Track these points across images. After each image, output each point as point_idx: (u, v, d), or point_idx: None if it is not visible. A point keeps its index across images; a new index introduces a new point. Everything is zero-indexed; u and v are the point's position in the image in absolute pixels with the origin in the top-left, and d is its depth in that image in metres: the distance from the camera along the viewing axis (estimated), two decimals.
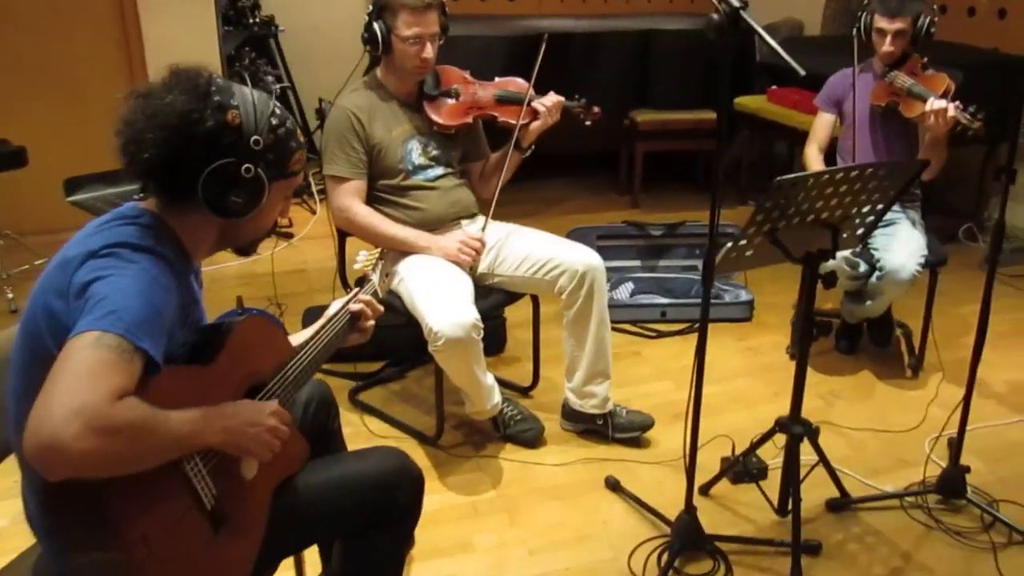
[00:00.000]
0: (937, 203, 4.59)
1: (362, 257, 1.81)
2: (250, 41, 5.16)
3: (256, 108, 1.39)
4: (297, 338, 1.62)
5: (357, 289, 1.75)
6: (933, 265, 3.05)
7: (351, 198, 2.58)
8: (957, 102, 2.73)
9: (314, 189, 5.00)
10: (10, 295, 3.68)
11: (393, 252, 2.56)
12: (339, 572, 1.61)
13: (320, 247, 4.42)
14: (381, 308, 1.75)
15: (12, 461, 1.51)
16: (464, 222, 2.74)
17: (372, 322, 1.72)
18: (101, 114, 5.11)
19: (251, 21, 5.05)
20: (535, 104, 2.67)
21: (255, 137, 1.38)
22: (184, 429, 1.19)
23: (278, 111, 1.44)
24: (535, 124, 2.67)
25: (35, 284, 1.33)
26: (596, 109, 2.76)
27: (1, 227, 3.88)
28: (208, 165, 1.35)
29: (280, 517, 1.46)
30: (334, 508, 1.52)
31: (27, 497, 1.37)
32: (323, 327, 1.61)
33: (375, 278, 1.76)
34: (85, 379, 1.09)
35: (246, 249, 1.54)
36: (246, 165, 1.37)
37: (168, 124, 1.33)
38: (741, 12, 1.74)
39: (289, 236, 4.53)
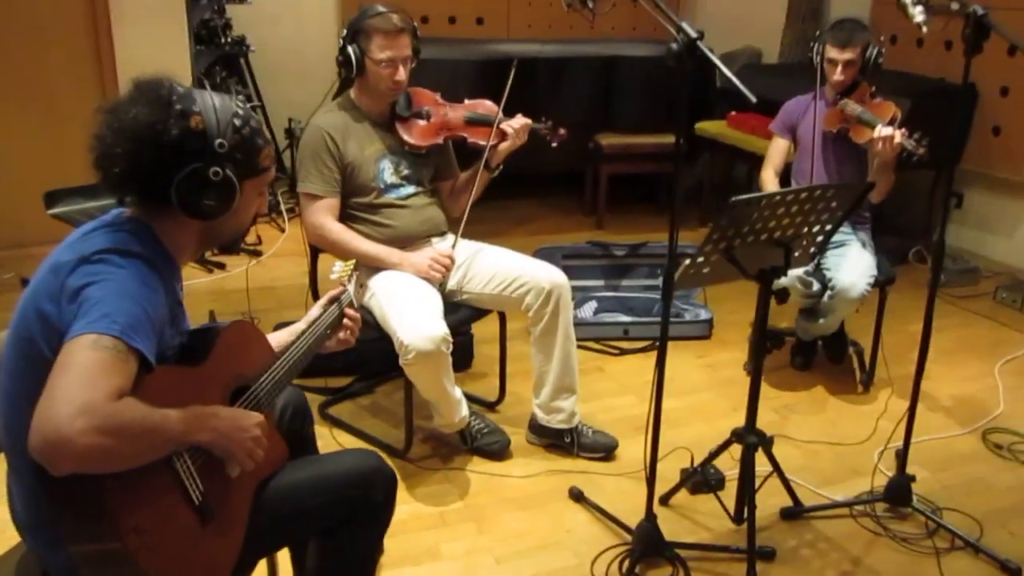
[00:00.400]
0: (888, 226, 4.77)
1: (337, 268, 1.89)
2: (221, 60, 5.22)
3: (218, 111, 1.44)
4: (274, 338, 1.69)
5: (334, 293, 1.82)
6: (882, 284, 3.19)
7: (324, 215, 2.65)
8: (903, 129, 2.88)
9: (283, 208, 5.06)
10: None
11: (365, 267, 2.64)
12: (315, 570, 1.67)
13: (289, 264, 4.47)
14: (358, 317, 1.82)
15: None
16: (434, 239, 2.83)
17: (350, 332, 1.80)
18: (74, 129, 5.13)
19: (223, 40, 5.10)
20: (503, 126, 2.76)
21: (219, 140, 1.42)
22: (178, 427, 1.26)
23: (240, 111, 1.47)
24: (503, 145, 2.77)
25: (25, 289, 1.39)
26: (562, 131, 2.87)
27: None
28: (178, 172, 1.40)
29: (261, 515, 1.52)
30: (313, 505, 1.59)
31: (16, 496, 1.42)
32: (304, 332, 1.68)
33: (351, 288, 1.84)
34: (87, 379, 1.16)
35: (229, 247, 1.59)
36: (214, 168, 1.41)
37: (135, 136, 1.38)
38: (697, 42, 1.85)
39: (258, 254, 4.57)
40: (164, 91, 1.42)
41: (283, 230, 4.95)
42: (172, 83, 1.44)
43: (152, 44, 4.50)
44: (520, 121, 2.78)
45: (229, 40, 5.15)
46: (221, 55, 5.18)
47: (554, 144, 2.86)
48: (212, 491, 1.38)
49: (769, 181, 3.32)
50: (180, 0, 4.57)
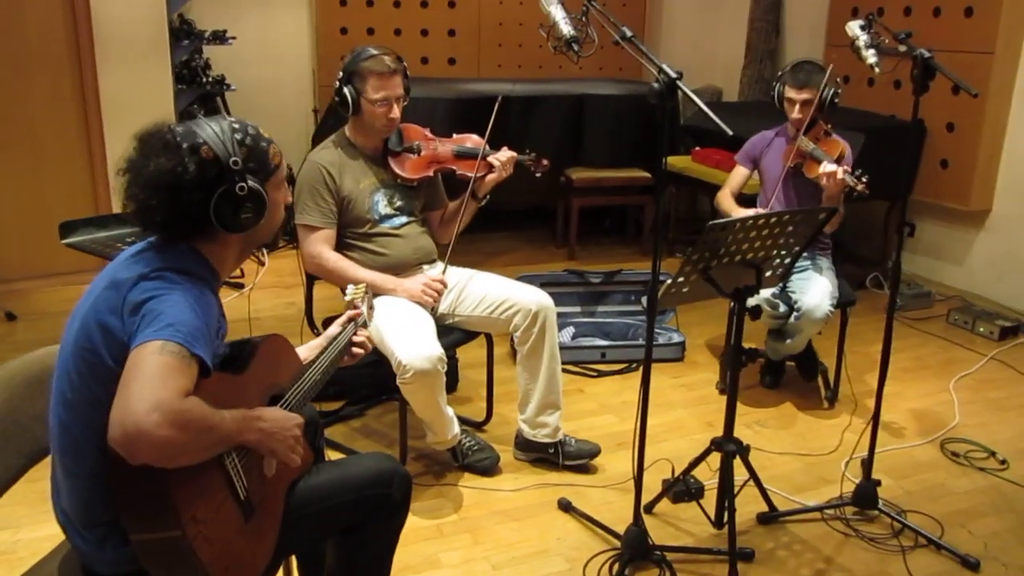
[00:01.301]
0: (847, 253, 5.03)
1: (350, 289, 2.03)
2: (199, 99, 5.35)
3: (220, 134, 1.56)
4: (299, 352, 1.82)
5: (351, 312, 1.96)
6: (843, 305, 3.40)
7: (321, 245, 2.79)
8: (846, 166, 3.11)
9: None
10: None
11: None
12: (335, 566, 1.79)
13: (271, 296, 4.59)
14: (369, 335, 1.97)
15: None
16: (425, 266, 2.98)
17: (361, 349, 1.94)
18: (57, 163, 5.25)
19: (204, 80, 5.23)
20: (490, 158, 2.94)
21: (232, 159, 1.54)
22: (232, 427, 1.40)
23: (236, 125, 1.60)
24: (490, 176, 2.93)
25: (81, 306, 1.51)
26: (545, 162, 3.05)
27: None
28: (209, 200, 1.52)
29: (290, 513, 1.65)
30: (337, 503, 1.71)
31: (66, 496, 1.52)
32: (328, 347, 1.82)
33: (363, 308, 1.98)
34: (159, 379, 1.29)
35: (271, 245, 1.72)
36: (239, 185, 1.54)
37: (162, 185, 1.50)
38: (677, 82, 2.04)
39: (240, 286, 4.67)
40: (168, 136, 1.54)
41: (263, 263, 5.05)
42: (169, 125, 1.57)
43: (136, 82, 4.62)
44: (506, 154, 2.95)
45: (210, 79, 5.29)
46: (201, 94, 5.31)
47: (538, 174, 3.04)
48: (253, 487, 1.52)
49: (725, 197, 3.55)
50: (164, 40, 4.71)
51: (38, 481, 1.60)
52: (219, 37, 5.22)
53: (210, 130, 1.55)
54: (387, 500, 1.74)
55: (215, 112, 5.47)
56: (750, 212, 3.35)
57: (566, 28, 2.42)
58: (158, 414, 1.26)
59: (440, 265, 2.96)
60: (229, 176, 1.53)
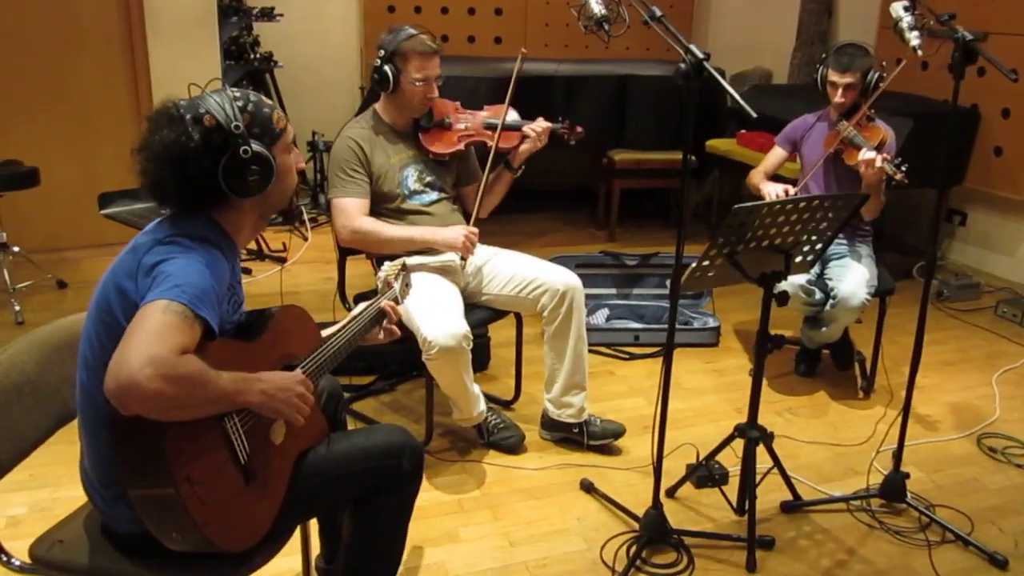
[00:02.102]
0: (894, 242, 4.93)
1: (386, 266, 2.05)
2: (248, 76, 5.43)
3: (220, 103, 1.60)
4: (325, 331, 1.86)
5: (383, 291, 1.99)
6: (882, 294, 3.33)
7: (357, 215, 2.81)
8: (886, 154, 3.03)
9: (306, 217, 5.25)
10: (17, 308, 3.86)
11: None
12: (351, 538, 1.82)
13: (312, 271, 4.66)
14: (399, 311, 1.99)
15: (26, 459, 1.72)
16: None
17: (396, 327, 1.96)
18: (108, 136, 5.39)
19: (252, 56, 5.31)
20: (525, 128, 2.94)
21: (235, 124, 1.58)
22: (230, 387, 1.44)
23: (238, 94, 1.64)
24: (524, 147, 2.94)
25: (107, 268, 1.57)
26: (579, 129, 3.03)
27: (9, 244, 4.06)
28: (217, 167, 1.56)
29: (299, 482, 1.68)
30: (346, 473, 1.74)
31: (87, 455, 1.59)
32: (348, 323, 1.85)
33: (397, 286, 2.01)
34: (156, 335, 1.34)
35: (287, 211, 1.75)
36: (243, 148, 1.57)
37: (169, 156, 1.55)
38: (704, 62, 2.01)
39: (283, 260, 4.75)
40: (173, 110, 1.59)
41: (306, 239, 5.14)
42: (175, 101, 1.61)
43: (185, 55, 4.72)
44: (541, 124, 2.95)
45: (257, 56, 5.36)
46: (249, 71, 5.39)
47: (572, 142, 3.03)
48: (257, 454, 1.55)
49: (756, 174, 3.49)
50: (213, 16, 4.79)
51: (76, 443, 1.67)
52: (267, 14, 5.29)
53: (212, 101, 1.60)
54: (397, 471, 1.77)
55: (264, 90, 5.56)
56: (779, 187, 3.30)
57: (597, 8, 2.40)
58: (151, 368, 1.30)
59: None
60: (233, 142, 1.57)
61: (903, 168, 2.90)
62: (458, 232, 2.82)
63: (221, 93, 1.62)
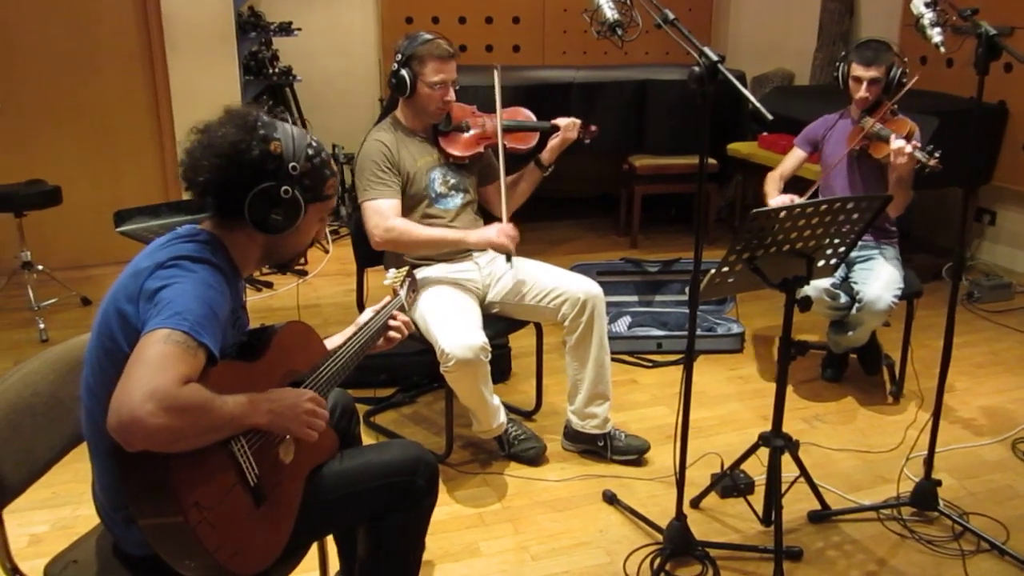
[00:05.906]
0: (922, 243, 4.84)
1: (391, 274, 2.04)
2: (268, 90, 5.46)
3: (295, 140, 1.62)
4: (329, 342, 1.84)
5: (387, 300, 1.97)
6: (909, 297, 3.26)
7: (390, 216, 2.78)
8: (916, 142, 2.97)
9: (327, 230, 5.26)
10: (41, 326, 3.89)
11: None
12: (366, 554, 1.80)
13: (333, 284, 4.66)
14: (408, 320, 1.97)
15: (48, 477, 1.72)
16: (475, 254, 2.96)
17: (397, 334, 1.94)
18: (129, 154, 5.47)
19: (271, 71, 5.34)
20: (555, 121, 2.95)
21: (293, 163, 1.59)
22: (236, 410, 1.41)
23: (314, 143, 1.66)
24: (555, 142, 2.95)
25: (108, 291, 1.55)
26: (593, 128, 3.02)
27: (34, 262, 4.10)
28: (254, 187, 1.57)
29: (312, 499, 1.66)
30: (360, 490, 1.72)
31: (97, 480, 1.57)
32: (354, 335, 1.83)
33: (402, 293, 1.99)
34: (158, 367, 1.31)
35: (286, 266, 1.74)
36: (285, 187, 1.58)
37: (221, 152, 1.56)
38: (719, 65, 1.98)
39: (304, 273, 4.76)
40: (252, 118, 1.60)
41: (327, 251, 5.15)
42: (260, 113, 1.63)
43: (205, 73, 4.76)
44: (566, 119, 2.96)
45: (276, 71, 5.39)
46: (268, 85, 5.42)
47: (587, 141, 3.01)
48: (267, 475, 1.53)
49: (771, 180, 3.44)
50: (231, 32, 4.82)
51: None
52: (285, 29, 5.32)
53: (290, 133, 1.62)
54: (411, 487, 1.74)
55: (284, 104, 5.59)
56: (784, 198, 3.25)
57: (610, 12, 2.37)
58: (152, 403, 1.28)
59: (491, 252, 2.95)
60: (283, 176, 1.58)
61: (936, 154, 2.84)
62: (494, 229, 2.81)
63: (303, 133, 1.65)
